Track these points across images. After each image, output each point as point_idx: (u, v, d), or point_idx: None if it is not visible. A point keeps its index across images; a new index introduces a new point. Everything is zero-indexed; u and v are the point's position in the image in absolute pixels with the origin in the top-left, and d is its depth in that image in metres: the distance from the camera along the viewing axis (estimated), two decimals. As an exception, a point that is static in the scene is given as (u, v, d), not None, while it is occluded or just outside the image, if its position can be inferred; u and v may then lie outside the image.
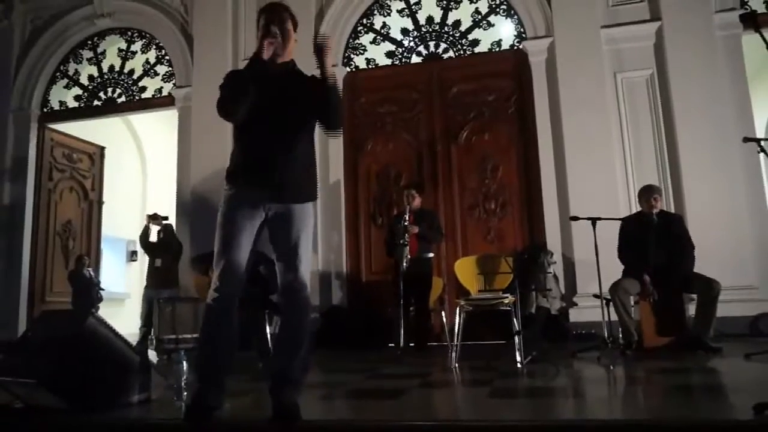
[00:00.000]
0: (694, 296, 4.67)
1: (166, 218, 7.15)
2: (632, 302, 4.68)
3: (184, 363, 2.76)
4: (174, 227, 7.28)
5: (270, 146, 2.42)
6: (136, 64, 8.44)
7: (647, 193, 4.91)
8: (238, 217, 2.40)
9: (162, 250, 7.08)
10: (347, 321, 6.50)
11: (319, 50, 2.41)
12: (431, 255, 5.64)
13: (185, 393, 2.68)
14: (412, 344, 5.29)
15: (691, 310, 4.69)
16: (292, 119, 2.47)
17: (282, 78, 2.50)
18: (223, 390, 2.37)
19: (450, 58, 7.28)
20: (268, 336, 4.86)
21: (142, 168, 11.70)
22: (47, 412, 2.65)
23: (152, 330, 6.71)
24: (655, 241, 4.71)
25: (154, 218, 7.15)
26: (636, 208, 5.70)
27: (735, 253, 5.75)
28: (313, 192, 2.52)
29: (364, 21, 7.60)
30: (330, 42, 2.45)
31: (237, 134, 2.50)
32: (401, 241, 5.32)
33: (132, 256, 11.22)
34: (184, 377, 2.72)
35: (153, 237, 7.31)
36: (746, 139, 4.04)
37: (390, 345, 5.62)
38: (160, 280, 6.92)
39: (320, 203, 7.02)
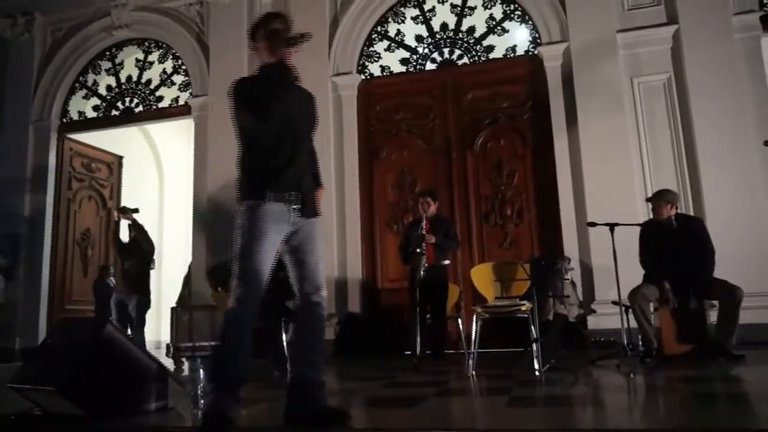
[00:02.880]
0: (716, 303, 4.59)
1: (136, 210, 6.50)
2: (652, 309, 4.61)
3: (201, 371, 2.77)
4: (143, 225, 6.63)
5: (295, 159, 2.43)
6: (153, 74, 8.56)
7: (654, 200, 4.81)
8: (268, 230, 2.36)
9: (132, 252, 6.45)
10: (363, 329, 6.48)
11: None
12: (447, 262, 5.61)
13: (202, 401, 2.68)
14: (428, 352, 5.26)
15: (713, 317, 4.61)
16: (306, 132, 2.50)
17: (296, 89, 2.51)
18: (239, 401, 2.37)
19: (464, 64, 7.28)
20: (285, 344, 4.86)
21: (159, 177, 11.82)
22: (65, 419, 2.66)
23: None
24: (673, 246, 4.63)
25: (123, 211, 6.52)
26: (654, 213, 5.63)
27: (757, 259, 5.64)
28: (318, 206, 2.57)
29: (379, 28, 7.63)
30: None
31: (262, 145, 2.42)
32: (418, 250, 5.29)
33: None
34: (201, 385, 2.73)
35: (126, 237, 6.64)
36: (767, 143, 3.98)
37: (406, 353, 5.59)
38: (130, 285, 6.36)
39: (336, 210, 7.04)
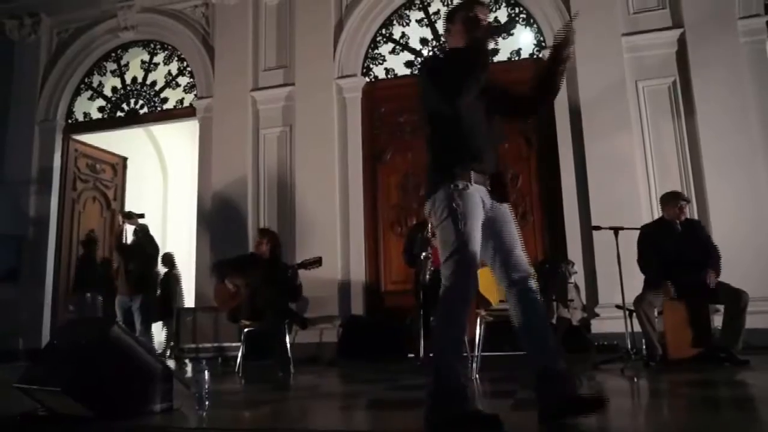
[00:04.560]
0: (721, 307, 4.57)
1: (142, 216, 6.47)
2: (656, 314, 4.60)
3: (206, 372, 2.77)
4: (149, 228, 6.62)
5: (487, 141, 2.40)
6: (159, 75, 8.58)
7: (674, 200, 4.74)
8: (474, 212, 2.31)
9: (135, 253, 6.43)
10: (366, 331, 6.48)
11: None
12: (451, 264, 5.60)
13: (207, 402, 2.69)
14: (432, 354, 5.24)
15: (718, 321, 4.59)
16: (488, 112, 2.45)
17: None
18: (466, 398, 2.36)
19: (469, 67, 7.26)
20: (288, 345, 4.86)
21: (164, 178, 11.84)
22: (71, 420, 2.67)
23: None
24: (678, 249, 4.61)
25: (128, 216, 6.47)
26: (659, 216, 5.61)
27: (762, 263, 5.62)
28: None
29: (383, 31, 7.63)
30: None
31: (455, 125, 2.36)
32: (424, 254, 5.28)
33: (153, 264, 11.31)
34: (206, 386, 2.73)
35: (129, 239, 6.69)
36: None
37: (410, 355, 5.58)
38: (132, 286, 6.32)
39: (339, 213, 7.04)
